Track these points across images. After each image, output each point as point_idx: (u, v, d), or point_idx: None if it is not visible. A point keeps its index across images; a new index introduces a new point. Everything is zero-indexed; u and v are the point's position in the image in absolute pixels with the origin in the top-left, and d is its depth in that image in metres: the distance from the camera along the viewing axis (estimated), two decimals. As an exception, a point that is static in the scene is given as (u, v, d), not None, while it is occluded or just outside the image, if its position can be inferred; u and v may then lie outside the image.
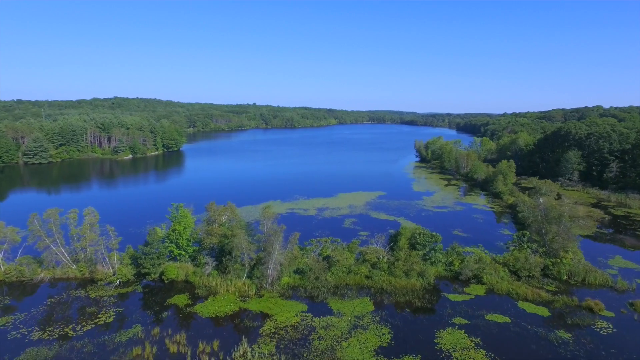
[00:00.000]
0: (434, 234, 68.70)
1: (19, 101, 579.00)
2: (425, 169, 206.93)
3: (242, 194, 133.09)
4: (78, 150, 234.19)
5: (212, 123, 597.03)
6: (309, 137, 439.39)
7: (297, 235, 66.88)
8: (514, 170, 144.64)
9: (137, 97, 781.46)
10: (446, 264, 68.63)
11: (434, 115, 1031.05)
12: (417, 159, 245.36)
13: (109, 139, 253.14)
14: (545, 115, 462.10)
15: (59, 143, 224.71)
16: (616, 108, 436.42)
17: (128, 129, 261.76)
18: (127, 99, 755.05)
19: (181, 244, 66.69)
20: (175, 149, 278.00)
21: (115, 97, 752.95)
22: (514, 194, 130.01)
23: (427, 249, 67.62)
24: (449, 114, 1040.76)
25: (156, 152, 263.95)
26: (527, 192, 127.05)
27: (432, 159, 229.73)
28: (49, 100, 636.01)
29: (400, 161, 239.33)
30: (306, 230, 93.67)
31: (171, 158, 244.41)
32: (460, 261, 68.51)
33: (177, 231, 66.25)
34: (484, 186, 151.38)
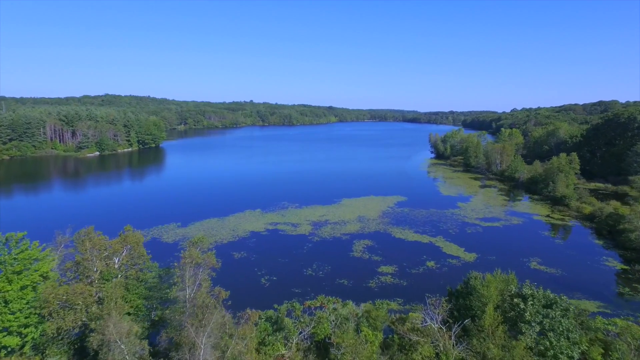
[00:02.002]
0: (553, 295, 32.79)
1: (2, 98, 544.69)
2: (445, 166, 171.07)
3: (209, 202, 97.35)
4: (34, 146, 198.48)
5: (204, 120, 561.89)
6: (307, 134, 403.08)
7: (254, 315, 30.06)
8: (578, 167, 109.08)
9: (130, 95, 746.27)
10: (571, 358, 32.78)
11: (436, 113, 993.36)
12: (433, 155, 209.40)
13: (74, 134, 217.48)
14: (563, 109, 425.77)
15: (8, 138, 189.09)
16: (635, 102, 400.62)
17: (97, 121, 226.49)
18: (119, 96, 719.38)
19: (8, 323, 30.93)
20: (153, 145, 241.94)
21: (106, 94, 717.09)
22: (583, 200, 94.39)
23: (540, 328, 31.72)
24: (452, 112, 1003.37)
25: (130, 149, 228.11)
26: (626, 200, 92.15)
27: (451, 155, 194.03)
28: (35, 97, 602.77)
29: (414, 158, 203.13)
30: (291, 265, 57.90)
31: (146, 155, 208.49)
32: (601, 348, 32.85)
33: (2, 293, 30.57)
34: (531, 188, 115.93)
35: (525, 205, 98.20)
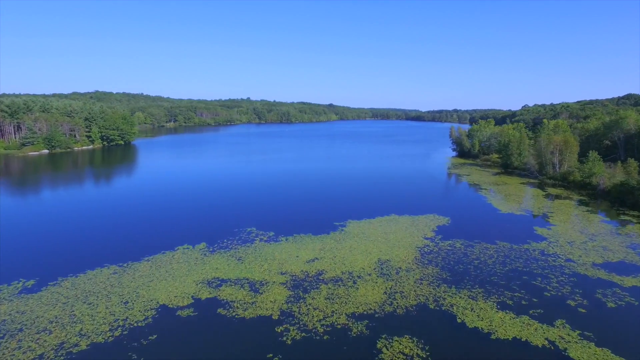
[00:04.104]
0: None
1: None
2: (476, 167, 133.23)
3: (132, 228, 59.33)
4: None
5: (195, 117, 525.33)
6: (306, 130, 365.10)
7: None
8: None
9: (122, 92, 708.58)
10: None
11: (440, 112, 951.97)
12: (455, 152, 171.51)
13: (19, 127, 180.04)
14: (587, 104, 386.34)
15: None
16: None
17: (50, 113, 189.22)
18: (110, 93, 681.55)
19: None
20: (120, 142, 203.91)
21: (96, 91, 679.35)
22: None
23: None
24: (455, 110, 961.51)
25: (90, 146, 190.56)
26: None
27: (480, 153, 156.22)
28: (20, 93, 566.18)
29: (433, 156, 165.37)
30: None
31: (109, 155, 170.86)
32: None
33: None
34: (625, 200, 78.33)
35: (647, 232, 60.02)
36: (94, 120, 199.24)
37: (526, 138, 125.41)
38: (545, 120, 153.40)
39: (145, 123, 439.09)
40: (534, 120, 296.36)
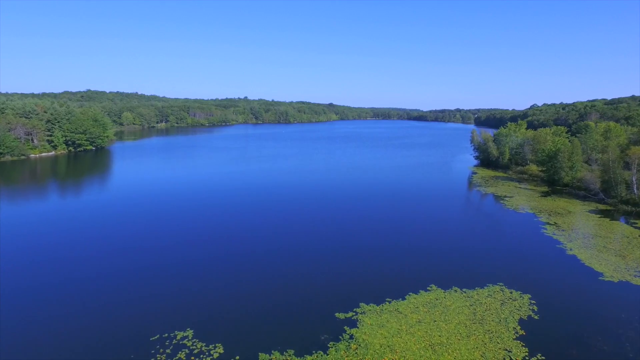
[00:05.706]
0: None
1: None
2: (511, 182, 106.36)
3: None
4: None
5: (188, 117, 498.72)
6: (304, 132, 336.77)
7: None
8: None
9: (116, 91, 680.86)
10: None
11: (442, 111, 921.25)
12: (477, 161, 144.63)
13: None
14: (609, 103, 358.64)
15: None
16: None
17: (4, 114, 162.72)
18: (103, 92, 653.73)
19: None
20: (89, 147, 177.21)
21: (88, 90, 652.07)
22: None
23: None
24: (458, 109, 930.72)
25: (52, 152, 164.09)
26: None
27: (512, 163, 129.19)
28: (7, 92, 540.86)
29: (453, 165, 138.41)
30: None
31: (72, 163, 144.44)
32: None
33: None
34: None
35: None
36: (58, 122, 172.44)
37: (579, 146, 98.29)
38: (591, 124, 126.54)
39: (134, 124, 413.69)
40: (555, 121, 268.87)
